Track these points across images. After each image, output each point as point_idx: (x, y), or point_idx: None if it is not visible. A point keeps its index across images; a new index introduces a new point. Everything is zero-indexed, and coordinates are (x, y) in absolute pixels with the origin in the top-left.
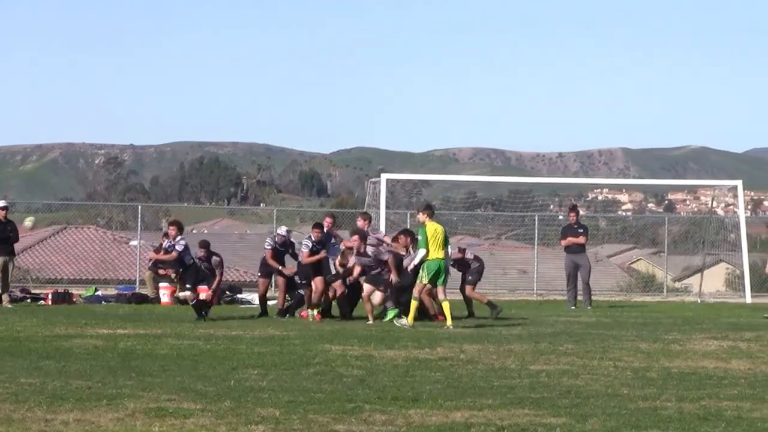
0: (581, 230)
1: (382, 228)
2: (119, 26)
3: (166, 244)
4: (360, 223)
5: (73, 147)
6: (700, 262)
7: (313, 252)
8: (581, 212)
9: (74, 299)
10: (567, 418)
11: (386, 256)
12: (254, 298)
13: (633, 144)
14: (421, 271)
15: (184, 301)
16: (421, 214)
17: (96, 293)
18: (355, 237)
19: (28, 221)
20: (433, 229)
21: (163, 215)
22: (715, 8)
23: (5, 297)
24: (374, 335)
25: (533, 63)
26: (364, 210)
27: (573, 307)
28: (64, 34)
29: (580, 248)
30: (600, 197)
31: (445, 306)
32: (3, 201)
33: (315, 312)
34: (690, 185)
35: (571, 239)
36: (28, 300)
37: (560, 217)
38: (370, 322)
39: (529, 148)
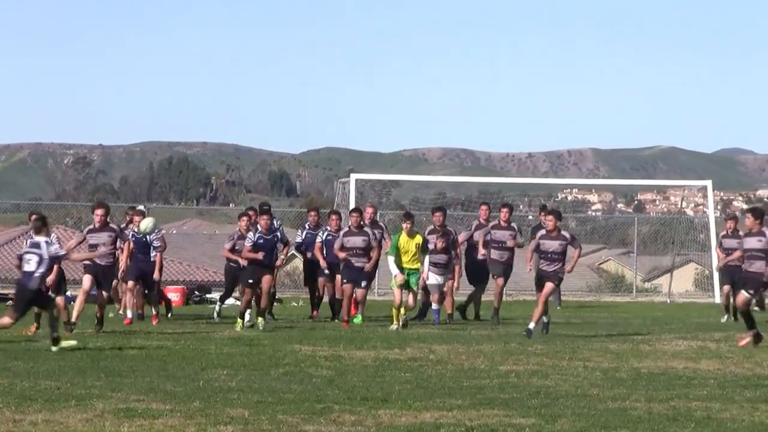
0: None
1: None
2: (87, 25)
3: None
4: (333, 224)
5: (41, 147)
6: (669, 262)
7: (256, 246)
8: None
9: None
10: (536, 418)
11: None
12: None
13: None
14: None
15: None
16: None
17: (66, 294)
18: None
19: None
20: (405, 242)
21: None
22: (684, 8)
23: None
24: (343, 336)
25: (502, 63)
26: (335, 209)
27: (559, 307)
28: (31, 33)
29: None
30: (569, 197)
31: (401, 311)
32: None
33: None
34: (659, 185)
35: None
36: None
37: (530, 217)
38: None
39: (498, 149)
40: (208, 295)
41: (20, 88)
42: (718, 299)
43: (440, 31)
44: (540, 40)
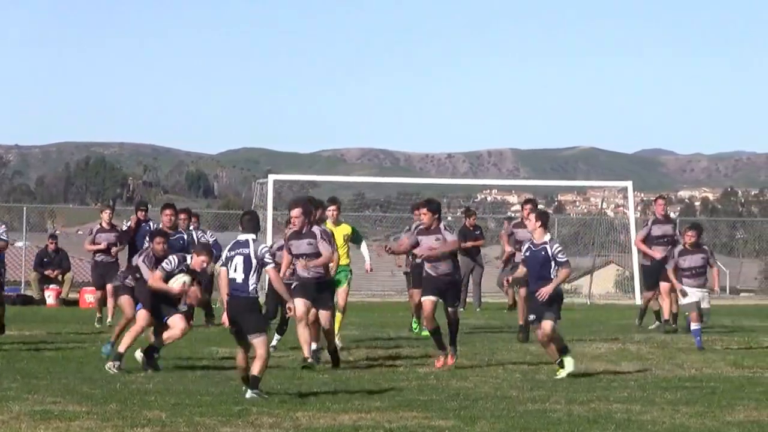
0: (478, 232)
1: (269, 229)
2: (2, 23)
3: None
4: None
5: None
6: (589, 263)
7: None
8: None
9: None
10: (456, 420)
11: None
12: None
13: (522, 144)
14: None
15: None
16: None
17: None
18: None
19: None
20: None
21: (48, 216)
22: (601, 5)
23: None
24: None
25: (420, 63)
26: (252, 210)
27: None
28: None
29: (477, 250)
30: (489, 198)
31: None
32: None
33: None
34: (580, 186)
35: (471, 242)
36: None
37: (449, 218)
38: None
39: (417, 149)
40: None
41: None
42: (639, 301)
43: (357, 30)
44: (458, 39)
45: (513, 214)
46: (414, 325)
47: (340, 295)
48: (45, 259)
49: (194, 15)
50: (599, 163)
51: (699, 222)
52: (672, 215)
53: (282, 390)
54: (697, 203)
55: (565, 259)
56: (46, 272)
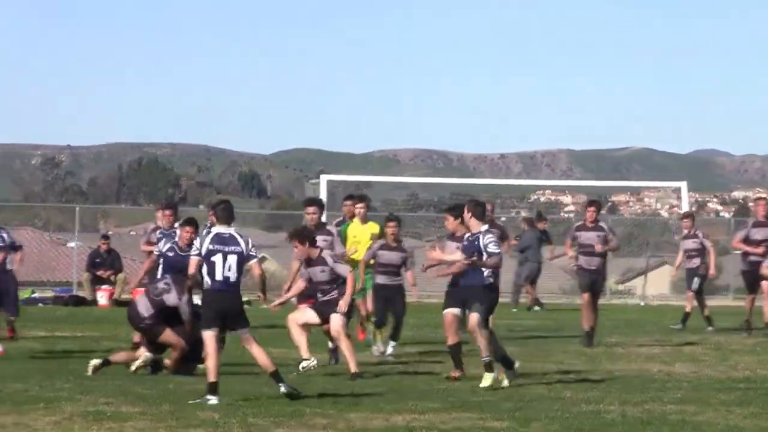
0: (545, 237)
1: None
2: (54, 25)
3: None
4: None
5: (8, 148)
6: (643, 264)
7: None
8: (523, 215)
9: None
10: (510, 421)
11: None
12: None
13: (576, 145)
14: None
15: None
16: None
17: (33, 295)
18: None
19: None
20: (357, 230)
21: (100, 216)
22: (659, 6)
23: None
24: (313, 338)
25: (475, 64)
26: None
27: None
28: None
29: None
30: (543, 199)
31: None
32: None
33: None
34: (634, 187)
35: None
36: None
37: (503, 219)
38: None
39: (471, 150)
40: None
41: None
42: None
43: (411, 31)
44: (512, 41)
45: (567, 215)
46: None
47: (362, 305)
48: (97, 260)
49: (247, 16)
50: (653, 163)
51: None
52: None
53: (334, 391)
54: (751, 204)
55: (496, 251)
56: (99, 273)
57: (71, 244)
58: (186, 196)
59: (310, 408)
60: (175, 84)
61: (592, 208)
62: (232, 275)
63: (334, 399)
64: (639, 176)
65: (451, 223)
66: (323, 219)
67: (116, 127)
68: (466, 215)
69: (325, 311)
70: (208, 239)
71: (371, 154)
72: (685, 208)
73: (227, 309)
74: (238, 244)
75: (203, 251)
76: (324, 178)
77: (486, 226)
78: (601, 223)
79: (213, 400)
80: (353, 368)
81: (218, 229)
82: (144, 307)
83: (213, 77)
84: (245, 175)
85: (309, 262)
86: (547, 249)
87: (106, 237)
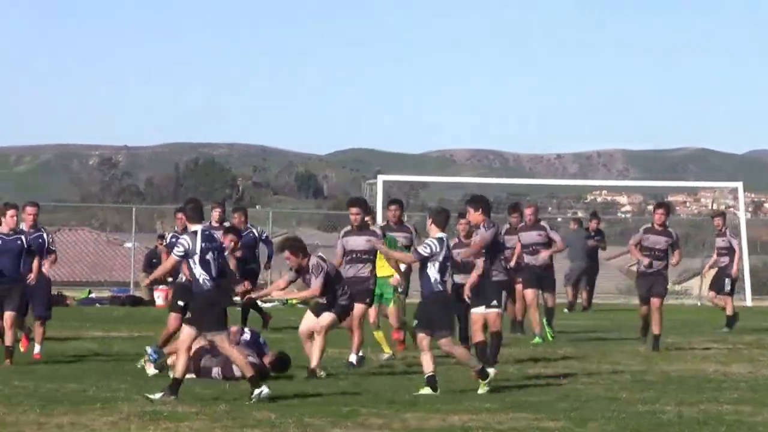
0: (599, 237)
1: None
2: (109, 24)
3: None
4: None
5: (66, 148)
6: (700, 264)
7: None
8: (580, 215)
9: (68, 302)
10: (566, 421)
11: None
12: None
13: (632, 145)
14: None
15: None
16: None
17: (90, 296)
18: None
19: None
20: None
21: (157, 217)
22: (711, 5)
23: None
24: (368, 340)
25: (532, 63)
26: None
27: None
28: (52, 33)
29: (595, 253)
30: (599, 199)
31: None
32: None
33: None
34: (690, 187)
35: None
36: None
37: (559, 220)
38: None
39: (527, 150)
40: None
41: (43, 89)
42: (749, 302)
43: (468, 32)
44: (568, 38)
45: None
46: (546, 329)
47: (391, 314)
48: (154, 260)
49: (300, 15)
50: (709, 164)
51: None
52: None
53: (390, 391)
54: None
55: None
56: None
57: (128, 245)
58: (243, 197)
59: (366, 408)
60: (233, 84)
61: (660, 211)
62: (214, 271)
63: (389, 399)
64: (695, 176)
65: (472, 215)
66: (378, 220)
67: (173, 127)
68: (428, 221)
69: (318, 311)
70: (198, 239)
71: (428, 154)
72: (742, 208)
73: (224, 305)
74: (215, 240)
75: (197, 251)
76: (381, 178)
77: (443, 235)
78: (670, 228)
79: (265, 390)
80: (314, 364)
81: (197, 227)
82: None
83: (273, 77)
84: (302, 175)
85: (300, 271)
86: (599, 249)
87: (162, 237)
